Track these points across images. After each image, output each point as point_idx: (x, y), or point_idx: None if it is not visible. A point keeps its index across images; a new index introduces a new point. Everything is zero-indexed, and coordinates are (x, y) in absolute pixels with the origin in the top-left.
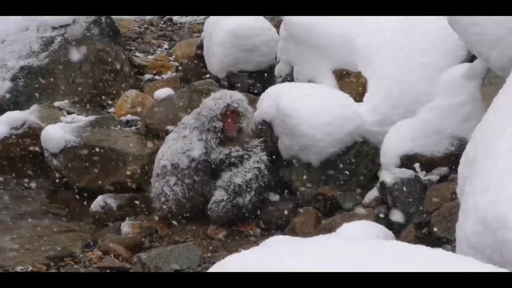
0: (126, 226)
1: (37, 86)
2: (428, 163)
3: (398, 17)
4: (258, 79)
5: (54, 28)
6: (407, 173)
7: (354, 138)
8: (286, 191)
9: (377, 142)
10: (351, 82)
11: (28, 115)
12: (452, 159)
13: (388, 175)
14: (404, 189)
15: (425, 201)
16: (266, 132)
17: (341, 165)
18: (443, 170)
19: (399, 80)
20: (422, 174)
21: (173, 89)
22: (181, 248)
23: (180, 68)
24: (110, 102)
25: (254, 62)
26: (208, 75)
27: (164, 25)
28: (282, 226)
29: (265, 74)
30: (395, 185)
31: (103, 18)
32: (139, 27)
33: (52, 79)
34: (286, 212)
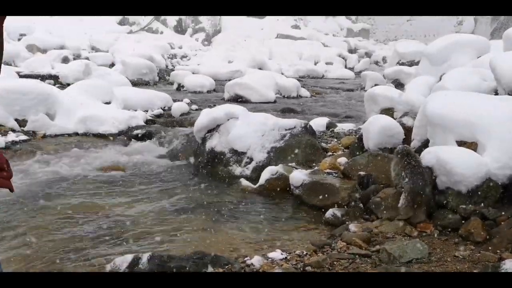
0: (352, 227)
1: (279, 155)
2: None
3: (507, 102)
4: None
5: (286, 129)
6: None
7: (486, 176)
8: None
9: (497, 179)
10: (467, 147)
11: (278, 168)
12: None
13: None
14: None
15: None
16: (429, 173)
17: (478, 193)
18: None
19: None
20: None
21: (346, 157)
22: (412, 243)
23: (345, 149)
24: (314, 164)
25: (392, 142)
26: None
27: (330, 133)
28: (455, 229)
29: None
30: None
31: (307, 125)
32: (319, 134)
33: (286, 153)
34: (454, 221)
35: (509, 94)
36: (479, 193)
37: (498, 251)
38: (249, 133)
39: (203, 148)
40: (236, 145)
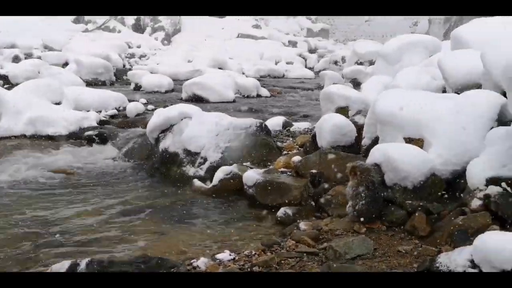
0: (303, 225)
1: (234, 155)
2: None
3: (451, 100)
4: (346, 149)
5: (241, 129)
6: (495, 189)
7: (431, 172)
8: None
9: (440, 175)
10: (414, 143)
11: (232, 168)
12: None
13: (491, 190)
14: (502, 199)
15: None
16: (377, 170)
17: (424, 188)
18: None
19: (455, 139)
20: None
21: (300, 156)
22: (358, 239)
23: (300, 148)
24: (269, 163)
25: (344, 140)
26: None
27: (286, 132)
28: (401, 225)
29: (350, 147)
30: (495, 196)
31: (263, 124)
32: (275, 133)
33: (241, 152)
34: (401, 216)
35: (456, 93)
36: (424, 188)
37: (438, 244)
38: (203, 132)
39: (156, 149)
40: (189, 145)
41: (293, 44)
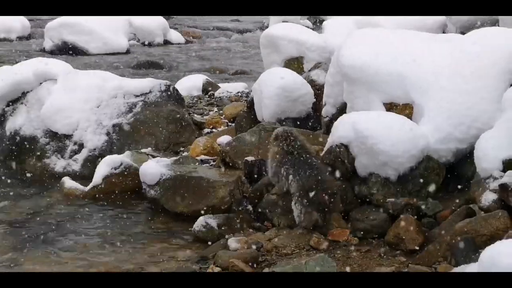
0: (233, 242)
1: (126, 138)
2: None
3: (451, 43)
4: (300, 123)
5: (136, 96)
6: None
7: (424, 154)
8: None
9: (439, 157)
10: (399, 111)
11: (124, 157)
12: None
13: (509, 178)
14: None
15: None
16: (344, 154)
17: (414, 180)
18: None
19: (459, 102)
20: None
21: (230, 135)
22: (315, 261)
23: (230, 122)
24: (182, 148)
25: (296, 110)
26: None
27: (208, 98)
28: (381, 234)
29: (305, 119)
30: None
31: (171, 88)
32: (191, 100)
33: (137, 133)
34: (380, 221)
35: (461, 33)
36: (414, 179)
37: (434, 262)
38: (77, 103)
39: (2, 131)
40: (55, 123)
41: None
